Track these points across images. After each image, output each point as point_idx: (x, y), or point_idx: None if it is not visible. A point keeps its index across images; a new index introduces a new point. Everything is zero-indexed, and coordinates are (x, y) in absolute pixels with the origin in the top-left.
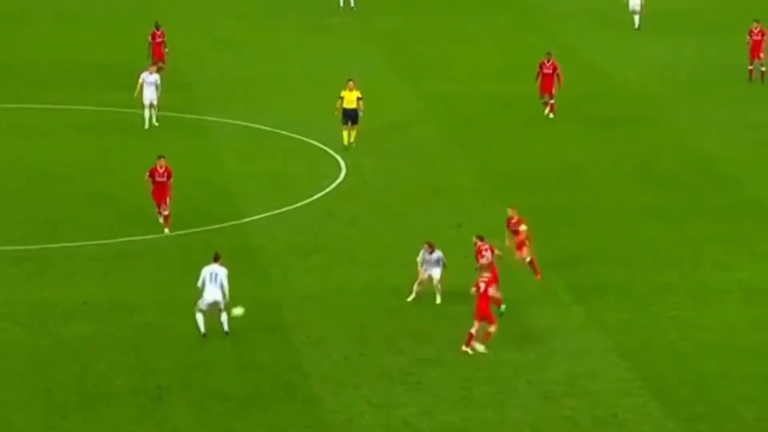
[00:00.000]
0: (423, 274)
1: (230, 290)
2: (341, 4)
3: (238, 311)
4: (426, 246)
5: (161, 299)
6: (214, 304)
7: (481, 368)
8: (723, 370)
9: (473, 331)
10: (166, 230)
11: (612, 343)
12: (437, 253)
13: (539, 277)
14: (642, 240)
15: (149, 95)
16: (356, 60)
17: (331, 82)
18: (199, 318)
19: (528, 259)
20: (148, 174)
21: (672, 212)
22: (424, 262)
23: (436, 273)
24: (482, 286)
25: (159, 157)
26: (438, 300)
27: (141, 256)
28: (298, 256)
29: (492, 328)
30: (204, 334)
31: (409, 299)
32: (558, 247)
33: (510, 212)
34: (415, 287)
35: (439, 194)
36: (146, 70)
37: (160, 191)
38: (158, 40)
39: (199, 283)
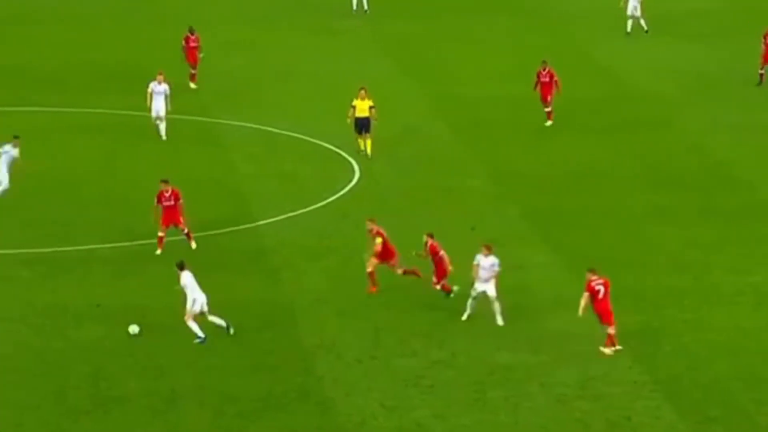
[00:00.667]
0: (476, 288)
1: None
2: (354, 6)
3: (134, 329)
4: (483, 248)
5: (173, 302)
6: (204, 304)
7: (493, 371)
8: (736, 372)
9: (611, 331)
10: (193, 244)
11: (625, 345)
12: (492, 258)
13: (374, 290)
14: (654, 243)
15: (157, 106)
16: (367, 63)
17: (342, 85)
18: (195, 325)
19: (369, 270)
20: (156, 200)
21: (684, 215)
22: (479, 267)
23: (491, 289)
24: (601, 290)
25: (163, 182)
26: (500, 321)
27: (153, 258)
28: (310, 259)
29: (611, 330)
30: (203, 338)
31: (464, 317)
32: (569, 250)
33: (369, 224)
34: (469, 302)
35: (450, 196)
36: (154, 79)
37: (169, 215)
38: (192, 44)
39: (191, 291)
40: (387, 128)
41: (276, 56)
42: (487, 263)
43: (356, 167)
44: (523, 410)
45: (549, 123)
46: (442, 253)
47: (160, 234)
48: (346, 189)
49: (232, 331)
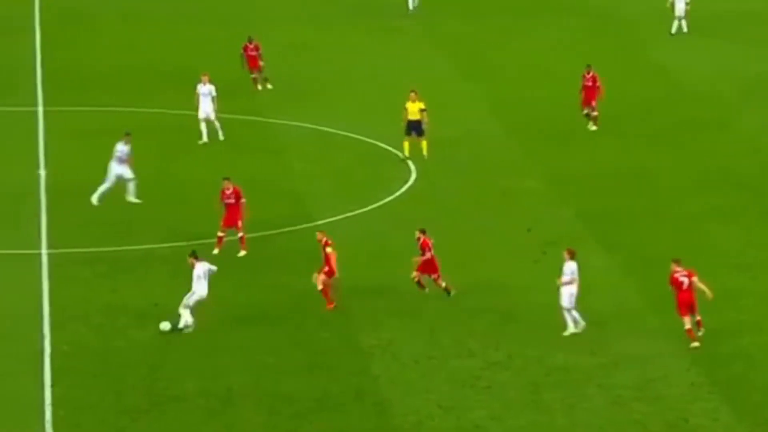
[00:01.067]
0: (562, 299)
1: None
2: (410, 7)
3: (165, 326)
4: (566, 253)
5: (231, 302)
6: (202, 300)
7: (550, 372)
8: None
9: (689, 326)
10: (242, 252)
11: (683, 347)
12: (572, 264)
13: (331, 306)
14: (712, 244)
15: (204, 108)
16: (425, 63)
17: (400, 86)
18: (188, 314)
19: (320, 287)
20: (219, 197)
21: (742, 216)
22: (562, 273)
23: (566, 299)
24: (685, 281)
25: (224, 179)
26: (570, 330)
27: (212, 258)
28: (367, 259)
29: (699, 317)
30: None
31: (566, 333)
32: (627, 251)
33: (319, 236)
34: (568, 320)
35: (506, 198)
36: (199, 81)
37: (230, 215)
38: (251, 53)
39: (198, 283)
40: (443, 129)
41: (333, 57)
42: (567, 269)
43: (413, 168)
44: (579, 412)
45: (593, 128)
46: (430, 254)
47: (220, 234)
48: (403, 190)
49: (177, 330)
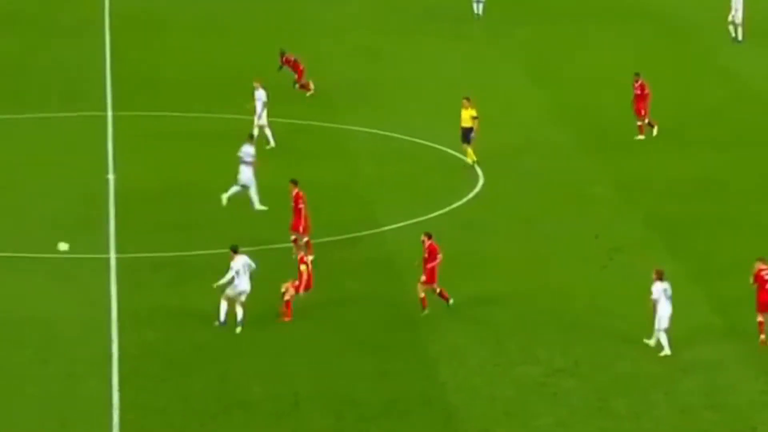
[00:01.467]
0: (658, 318)
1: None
2: (480, 12)
3: (63, 246)
4: (654, 274)
5: (298, 307)
6: (243, 294)
7: (617, 380)
8: None
9: (761, 319)
10: (310, 257)
11: (751, 355)
12: (660, 285)
13: (287, 318)
14: None
15: (257, 113)
16: (491, 69)
17: (466, 92)
18: (224, 306)
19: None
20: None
21: None
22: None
23: (660, 321)
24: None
25: (290, 182)
26: (651, 342)
27: (279, 263)
28: None
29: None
30: (224, 323)
31: (650, 341)
32: (695, 257)
33: (294, 251)
34: (659, 337)
35: (574, 204)
36: (255, 87)
37: (295, 219)
38: (289, 59)
39: (233, 273)
40: (510, 135)
41: (399, 62)
42: (655, 289)
43: (480, 173)
44: (646, 419)
45: (654, 132)
46: (440, 256)
47: (293, 237)
48: (471, 195)
49: (239, 329)
